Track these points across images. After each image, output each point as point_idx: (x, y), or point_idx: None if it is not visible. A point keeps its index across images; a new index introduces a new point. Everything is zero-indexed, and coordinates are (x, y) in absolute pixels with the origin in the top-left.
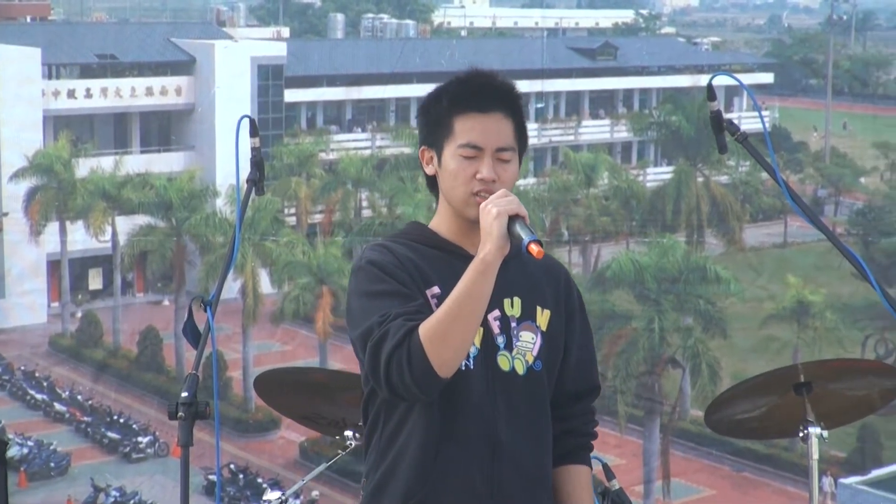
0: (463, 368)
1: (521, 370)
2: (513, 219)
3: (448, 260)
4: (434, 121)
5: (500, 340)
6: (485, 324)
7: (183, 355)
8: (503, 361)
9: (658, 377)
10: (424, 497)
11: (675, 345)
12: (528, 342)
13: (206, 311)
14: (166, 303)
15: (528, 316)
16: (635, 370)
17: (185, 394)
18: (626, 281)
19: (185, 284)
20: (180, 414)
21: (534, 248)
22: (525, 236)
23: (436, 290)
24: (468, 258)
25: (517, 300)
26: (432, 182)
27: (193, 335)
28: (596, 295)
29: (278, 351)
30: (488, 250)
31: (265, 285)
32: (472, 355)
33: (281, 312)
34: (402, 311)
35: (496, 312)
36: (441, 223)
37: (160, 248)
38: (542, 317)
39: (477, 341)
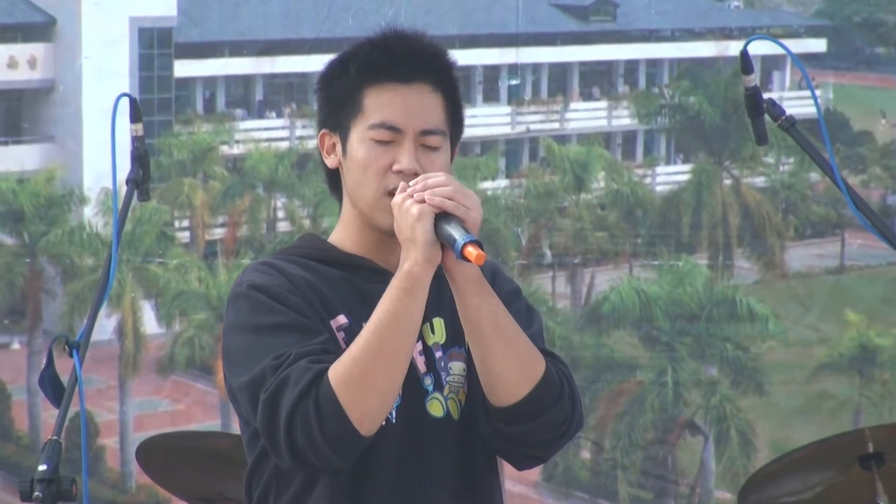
0: (383, 422)
1: (455, 413)
2: (441, 217)
3: (354, 280)
4: (338, 95)
5: (428, 382)
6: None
7: (39, 416)
8: (434, 407)
9: (672, 447)
10: None
11: (695, 404)
12: (460, 374)
13: (71, 356)
14: (16, 346)
15: (454, 340)
16: (641, 438)
17: (42, 467)
18: (630, 318)
19: (41, 322)
20: (37, 494)
21: (471, 252)
22: (458, 237)
23: (342, 319)
24: (383, 275)
25: (439, 322)
26: (334, 179)
27: (54, 389)
28: (588, 337)
29: (167, 410)
30: (414, 260)
31: (150, 323)
32: (394, 405)
33: (170, 360)
34: (304, 351)
35: (418, 345)
36: (344, 236)
37: (8, 272)
38: None
39: None
